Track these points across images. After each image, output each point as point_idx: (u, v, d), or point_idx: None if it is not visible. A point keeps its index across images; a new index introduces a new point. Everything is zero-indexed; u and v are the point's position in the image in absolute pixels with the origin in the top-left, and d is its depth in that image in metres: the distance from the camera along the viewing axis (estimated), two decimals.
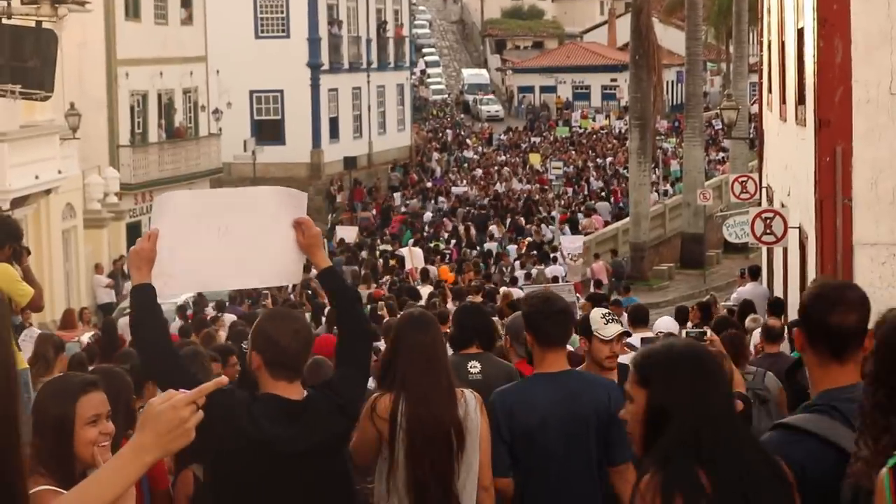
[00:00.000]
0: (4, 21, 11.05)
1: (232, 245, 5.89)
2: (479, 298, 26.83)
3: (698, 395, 4.28)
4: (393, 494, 6.67)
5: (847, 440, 4.56)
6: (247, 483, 5.52)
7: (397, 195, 63.59)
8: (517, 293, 27.94)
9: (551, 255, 44.15)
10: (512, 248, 48.12)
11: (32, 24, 11.00)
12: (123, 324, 25.09)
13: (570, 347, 9.57)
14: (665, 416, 4.27)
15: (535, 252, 45.08)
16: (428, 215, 57.77)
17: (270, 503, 5.62)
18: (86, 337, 20.85)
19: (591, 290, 34.14)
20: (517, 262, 43.49)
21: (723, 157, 65.48)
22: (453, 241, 49.55)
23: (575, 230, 50.72)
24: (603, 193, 60.95)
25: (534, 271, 40.75)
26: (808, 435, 4.76)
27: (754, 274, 27.29)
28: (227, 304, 29.06)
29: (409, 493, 6.55)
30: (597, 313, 8.26)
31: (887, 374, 4.31)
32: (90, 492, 3.36)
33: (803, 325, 5.07)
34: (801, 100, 19.62)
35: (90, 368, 10.20)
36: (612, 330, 8.09)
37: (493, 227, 52.07)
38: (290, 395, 5.70)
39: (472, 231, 51.84)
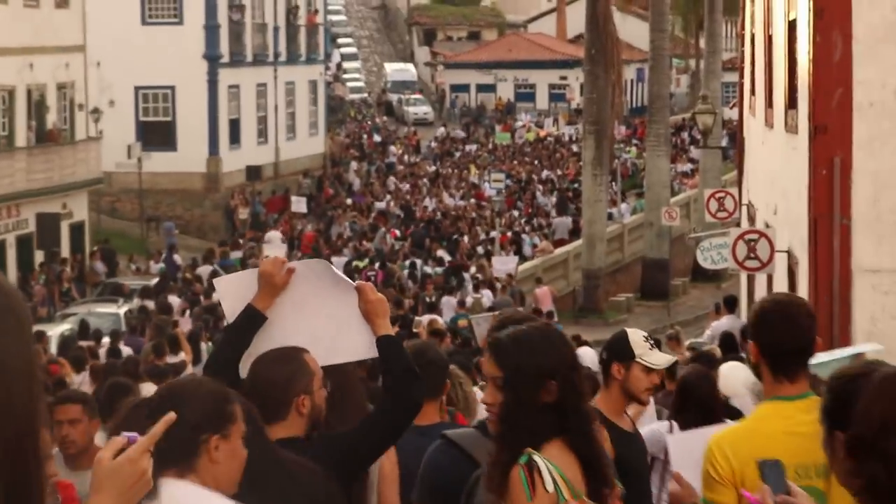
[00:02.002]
0: None
1: (314, 318, 6.49)
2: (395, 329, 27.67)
3: None
4: None
5: (481, 452, 5.75)
6: None
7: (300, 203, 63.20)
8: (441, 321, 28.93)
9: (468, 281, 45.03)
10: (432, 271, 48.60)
11: None
12: None
13: None
14: None
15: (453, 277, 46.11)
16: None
17: None
18: None
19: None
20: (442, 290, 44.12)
21: (691, 170, 65.98)
22: (377, 263, 49.58)
23: (520, 253, 51.08)
24: (551, 211, 61.34)
25: (469, 300, 41.09)
26: (454, 445, 6.21)
27: (731, 305, 27.64)
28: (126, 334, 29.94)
29: None
30: (637, 335, 8.22)
31: (513, 387, 5.25)
32: None
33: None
34: (791, 103, 19.84)
35: None
36: (663, 359, 8.17)
37: (440, 252, 52.33)
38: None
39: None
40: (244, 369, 6.32)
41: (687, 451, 6.60)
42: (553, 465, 5.08)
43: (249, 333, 6.39)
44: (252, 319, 6.38)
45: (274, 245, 51.57)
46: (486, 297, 41.24)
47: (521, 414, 5.23)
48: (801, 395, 5.89)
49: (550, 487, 5.01)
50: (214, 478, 4.71)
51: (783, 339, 6.10)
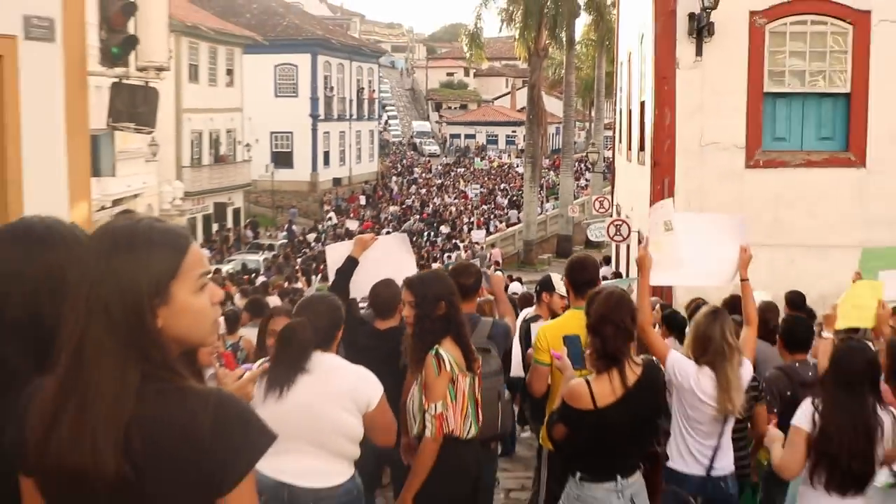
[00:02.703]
0: (124, 81, 11.24)
1: (383, 265, 6.72)
2: None
3: None
4: None
5: None
6: None
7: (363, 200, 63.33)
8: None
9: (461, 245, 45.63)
10: (438, 239, 49.14)
11: (142, 83, 11.25)
12: None
13: None
14: None
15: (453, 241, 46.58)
16: (409, 223, 57.83)
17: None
18: None
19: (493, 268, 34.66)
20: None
21: (586, 184, 65.86)
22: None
23: (488, 231, 51.44)
24: (506, 207, 61.34)
25: (453, 256, 41.41)
26: None
27: (608, 261, 27.84)
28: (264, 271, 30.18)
29: None
30: (556, 277, 8.35)
31: (420, 306, 5.28)
32: None
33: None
34: (641, 147, 19.94)
35: None
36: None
37: (442, 227, 52.74)
38: (379, 326, 6.56)
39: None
40: (352, 291, 6.58)
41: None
42: (449, 354, 5.14)
43: (351, 270, 6.57)
44: (352, 263, 6.59)
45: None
46: (467, 255, 41.46)
47: (427, 322, 5.24)
48: None
49: (448, 367, 5.09)
50: (335, 350, 4.86)
51: (579, 276, 6.41)
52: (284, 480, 4.52)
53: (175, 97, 43.72)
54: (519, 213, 55.93)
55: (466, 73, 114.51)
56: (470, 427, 5.23)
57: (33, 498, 2.18)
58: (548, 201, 60.36)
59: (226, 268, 32.88)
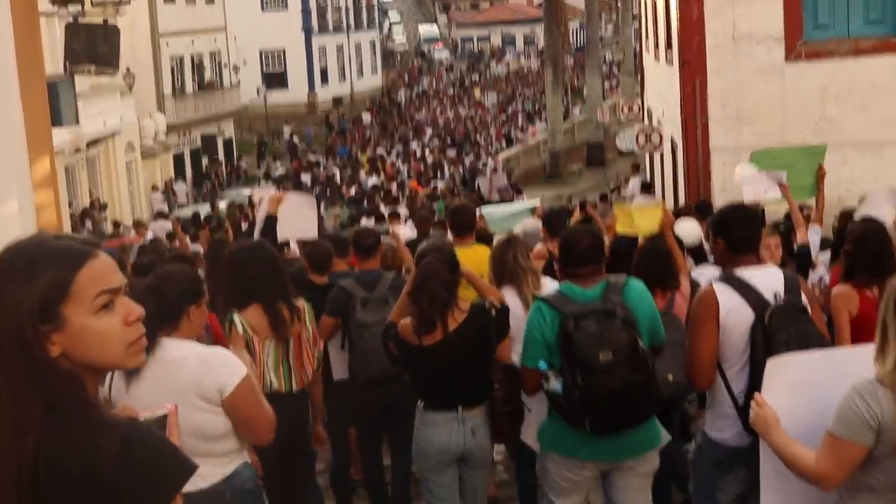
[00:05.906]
0: (80, 20, 11.22)
1: (291, 216, 8.58)
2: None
3: None
4: None
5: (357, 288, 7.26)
6: None
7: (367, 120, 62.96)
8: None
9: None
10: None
11: (100, 20, 11.24)
12: (156, 226, 25.10)
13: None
14: None
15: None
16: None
17: None
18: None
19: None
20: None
21: (617, 84, 65.29)
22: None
23: (509, 142, 51.34)
24: (527, 116, 60.98)
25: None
26: (343, 289, 7.41)
27: (637, 169, 27.94)
28: None
29: None
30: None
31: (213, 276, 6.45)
32: None
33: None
34: (669, 45, 19.82)
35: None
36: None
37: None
38: (315, 280, 7.85)
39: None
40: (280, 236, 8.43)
41: None
42: (244, 319, 5.90)
43: (274, 227, 8.20)
44: (272, 221, 8.24)
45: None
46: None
47: (231, 292, 6.02)
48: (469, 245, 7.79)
49: (240, 330, 5.87)
50: (192, 332, 4.64)
51: (458, 220, 8.15)
52: None
53: (150, 20, 43.52)
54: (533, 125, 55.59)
55: None
56: (272, 385, 5.94)
57: None
58: (574, 105, 59.97)
59: (222, 204, 32.80)
